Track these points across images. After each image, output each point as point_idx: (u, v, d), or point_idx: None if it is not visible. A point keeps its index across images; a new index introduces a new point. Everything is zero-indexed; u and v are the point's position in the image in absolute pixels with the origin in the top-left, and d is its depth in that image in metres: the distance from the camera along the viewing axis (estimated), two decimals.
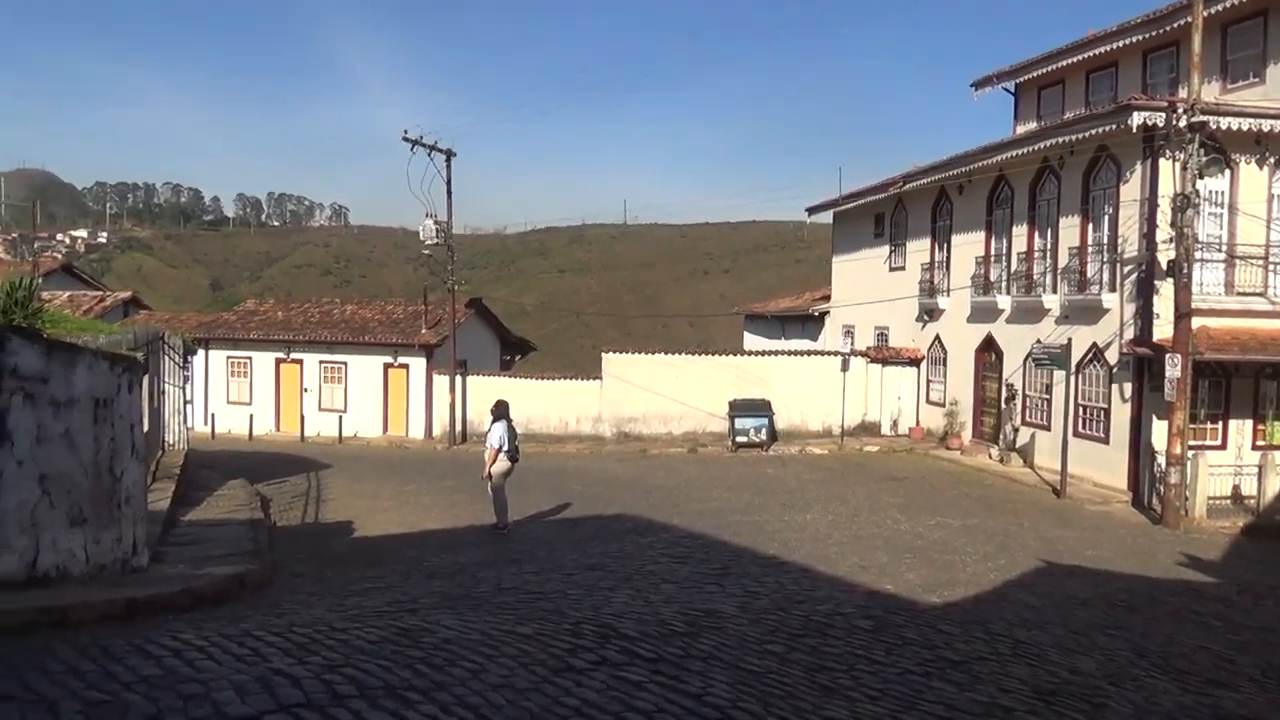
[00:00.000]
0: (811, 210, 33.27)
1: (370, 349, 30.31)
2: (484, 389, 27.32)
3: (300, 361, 31.31)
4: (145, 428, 10.23)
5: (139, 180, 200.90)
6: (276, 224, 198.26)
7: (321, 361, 31.06)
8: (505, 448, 13.26)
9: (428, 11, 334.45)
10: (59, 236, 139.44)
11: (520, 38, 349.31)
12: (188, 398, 22.18)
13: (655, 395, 26.62)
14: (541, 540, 12.15)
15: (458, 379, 27.99)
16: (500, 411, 13.64)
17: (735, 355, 28.79)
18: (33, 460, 6.23)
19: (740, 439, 24.59)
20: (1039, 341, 19.71)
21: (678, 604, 7.38)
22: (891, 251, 27.86)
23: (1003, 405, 21.60)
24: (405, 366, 29.98)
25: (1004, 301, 21.68)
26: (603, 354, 28.25)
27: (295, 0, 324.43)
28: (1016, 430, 21.06)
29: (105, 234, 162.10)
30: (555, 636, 5.59)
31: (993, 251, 22.58)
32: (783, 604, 7.76)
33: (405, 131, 26.98)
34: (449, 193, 28.59)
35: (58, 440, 6.56)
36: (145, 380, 10.49)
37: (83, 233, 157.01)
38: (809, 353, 28.16)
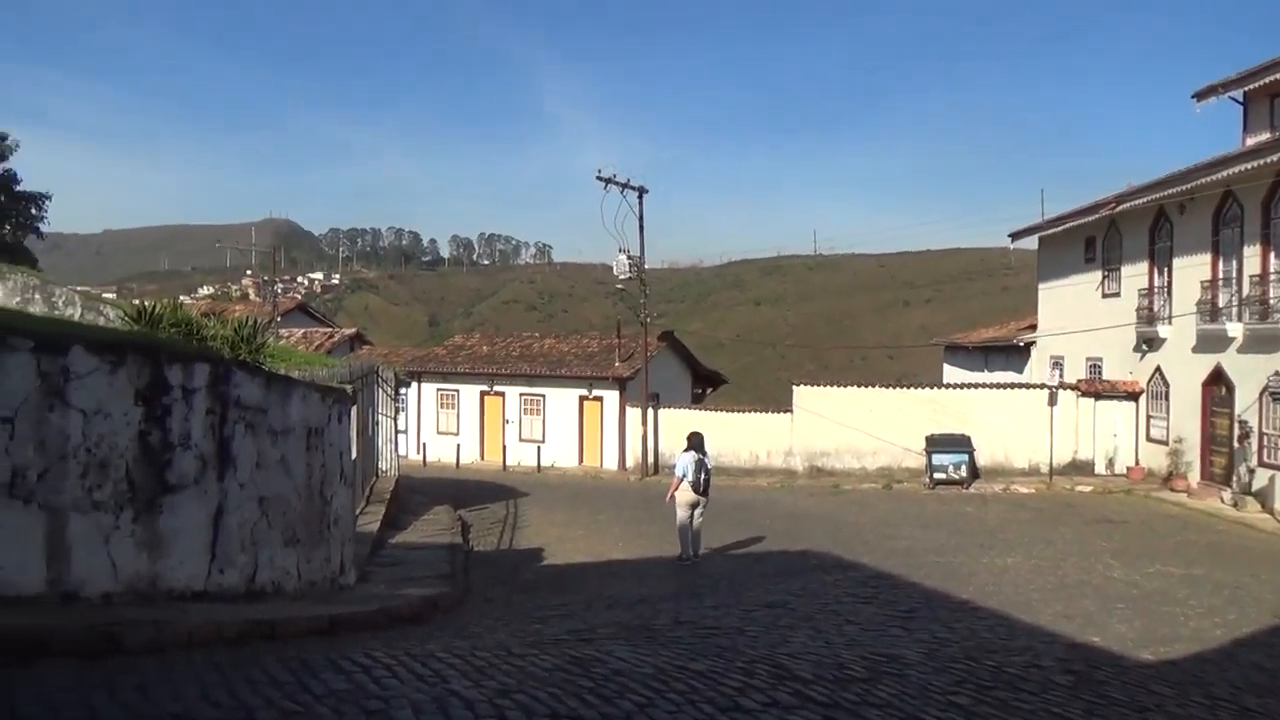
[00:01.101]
0: (1015, 235, 31.68)
1: (567, 382, 31.32)
2: (675, 421, 27.61)
3: (502, 394, 32.77)
4: (356, 455, 10.99)
5: (367, 226, 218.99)
6: (486, 263, 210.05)
7: (522, 394, 32.38)
8: (689, 478, 13.33)
9: (624, 54, 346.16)
10: (299, 279, 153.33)
11: (712, 75, 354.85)
12: (400, 427, 23.69)
13: (848, 429, 26.00)
14: (725, 574, 12.08)
15: (649, 411, 28.41)
16: (690, 442, 13.77)
17: (933, 388, 27.72)
18: (253, 484, 6.82)
19: (938, 475, 23.57)
20: (1277, 373, 17.82)
21: (859, 647, 7.13)
22: (1104, 277, 26.05)
23: (1235, 444, 19.62)
24: (599, 399, 30.76)
25: (1235, 329, 19.75)
26: (793, 386, 27.94)
27: (503, 55, 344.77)
28: (1252, 471, 19.05)
29: (338, 276, 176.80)
30: (726, 674, 5.51)
31: (1220, 275, 20.66)
32: (973, 653, 7.33)
33: (599, 171, 27.91)
34: (641, 228, 29.29)
35: (275, 466, 7.16)
36: (356, 411, 11.29)
37: (319, 275, 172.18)
38: (1014, 385, 26.70)
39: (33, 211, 32.86)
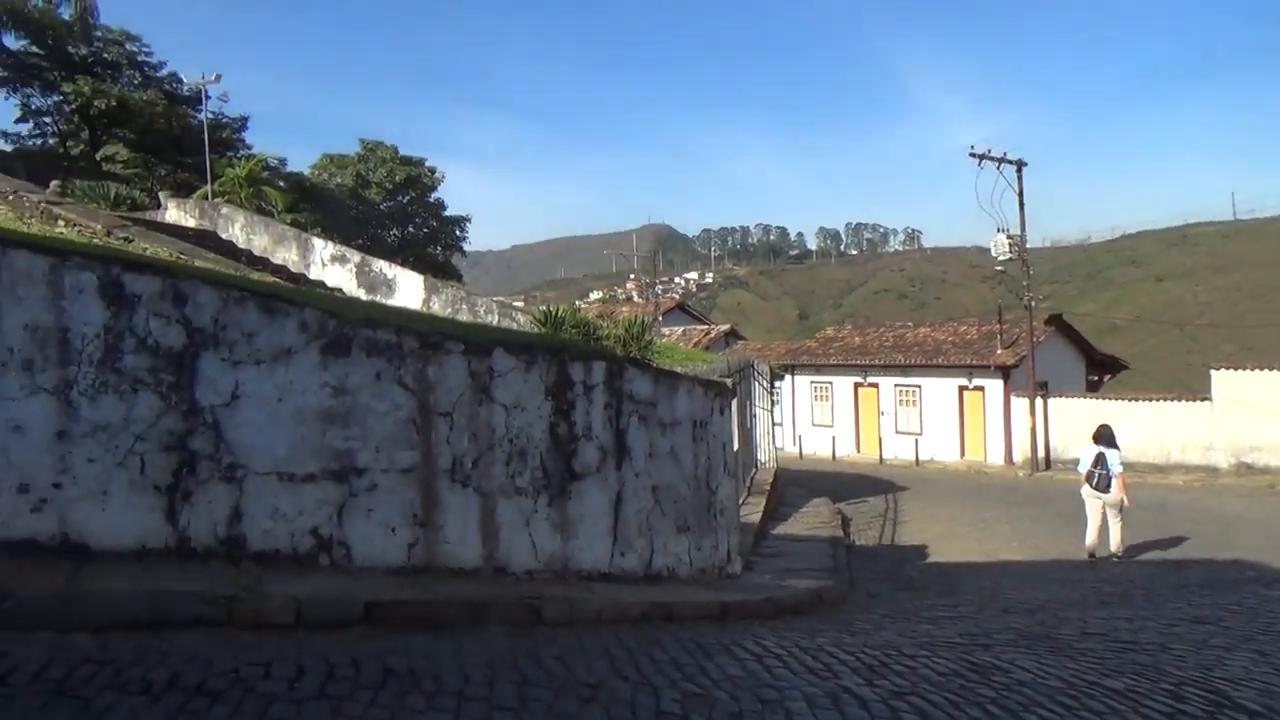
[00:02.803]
0: None
1: (944, 371, 30.04)
2: (1067, 411, 25.47)
3: (876, 385, 32.17)
4: (736, 447, 11.31)
5: (736, 224, 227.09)
6: (854, 253, 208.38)
7: (896, 385, 31.56)
8: (1084, 471, 12.57)
9: (993, 26, 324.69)
10: (676, 280, 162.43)
11: (1095, 36, 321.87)
12: (776, 420, 24.11)
13: None
14: (1138, 582, 10.86)
15: (1037, 401, 26.40)
16: (1095, 435, 12.89)
17: None
18: (646, 473, 7.24)
19: None
20: None
21: None
22: None
23: None
24: (980, 388, 29.13)
25: None
26: (1211, 371, 24.53)
27: (865, 42, 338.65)
28: None
29: (711, 275, 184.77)
30: (1151, 696, 4.93)
31: None
32: None
33: (972, 147, 26.47)
34: (1020, 205, 27.32)
35: (665, 456, 7.55)
36: (735, 404, 11.61)
37: (693, 275, 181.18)
38: None
39: (456, 233, 37.83)
